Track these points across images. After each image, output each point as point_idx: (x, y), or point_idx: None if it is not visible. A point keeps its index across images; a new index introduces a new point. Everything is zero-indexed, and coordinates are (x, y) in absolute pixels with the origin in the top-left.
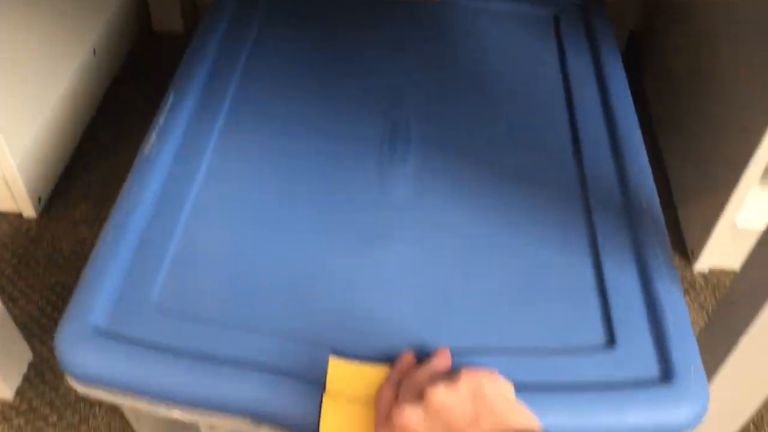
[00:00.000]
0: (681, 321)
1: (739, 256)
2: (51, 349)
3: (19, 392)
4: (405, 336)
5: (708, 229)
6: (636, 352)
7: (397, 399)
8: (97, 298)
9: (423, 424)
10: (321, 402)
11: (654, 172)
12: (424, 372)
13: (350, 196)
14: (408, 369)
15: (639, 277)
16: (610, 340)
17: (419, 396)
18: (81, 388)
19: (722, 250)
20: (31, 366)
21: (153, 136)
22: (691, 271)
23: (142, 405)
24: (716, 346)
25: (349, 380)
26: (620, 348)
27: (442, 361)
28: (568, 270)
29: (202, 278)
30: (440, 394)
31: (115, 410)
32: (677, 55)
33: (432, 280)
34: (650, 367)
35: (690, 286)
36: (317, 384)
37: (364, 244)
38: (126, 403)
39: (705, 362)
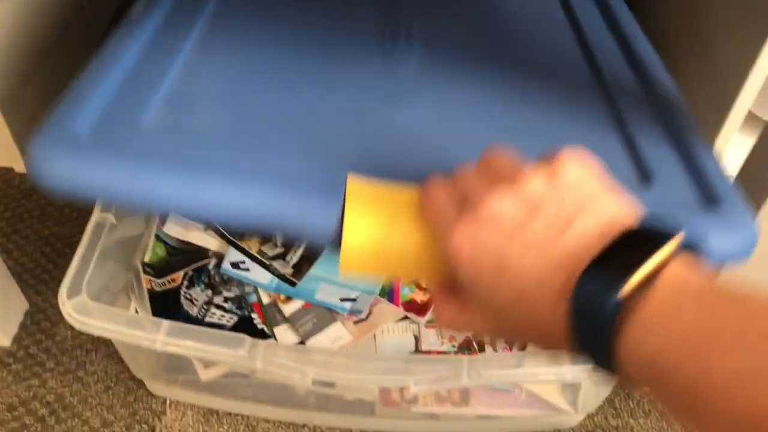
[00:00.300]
0: (711, 153)
1: None
2: (47, 299)
3: (16, 339)
4: (425, 160)
5: None
6: (674, 186)
7: (462, 199)
8: (83, 106)
9: (520, 214)
10: (345, 187)
11: None
12: (500, 165)
13: (355, 68)
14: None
15: (664, 128)
16: (647, 178)
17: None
18: (57, 195)
19: None
20: (28, 314)
21: None
22: None
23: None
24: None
25: (371, 192)
26: (657, 184)
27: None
28: (590, 134)
29: (199, 111)
30: (537, 183)
31: (111, 355)
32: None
33: (446, 133)
34: (692, 201)
35: None
36: (335, 191)
37: (371, 105)
38: (121, 335)
39: None
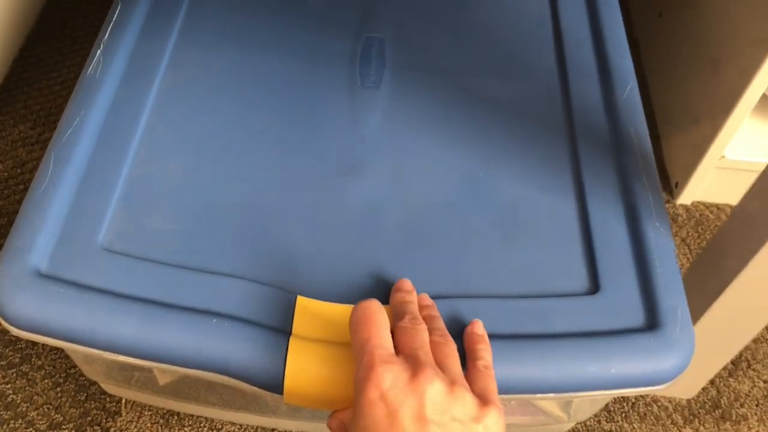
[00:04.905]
0: (668, 265)
1: (726, 189)
2: None
3: None
4: (376, 278)
5: (694, 160)
6: (621, 299)
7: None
8: (37, 237)
9: (401, 397)
10: (287, 347)
11: None
12: (433, 329)
13: (318, 123)
14: (404, 300)
15: (626, 218)
16: (594, 286)
17: (414, 357)
18: (19, 333)
19: (708, 183)
20: None
21: (98, 54)
22: (674, 204)
23: (87, 351)
24: (704, 284)
25: (319, 319)
26: (605, 295)
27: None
28: (550, 210)
29: (153, 216)
30: (464, 408)
31: (60, 350)
32: None
33: (405, 219)
34: (635, 315)
35: (672, 219)
36: (282, 331)
37: (332, 177)
38: (69, 348)
39: (690, 301)
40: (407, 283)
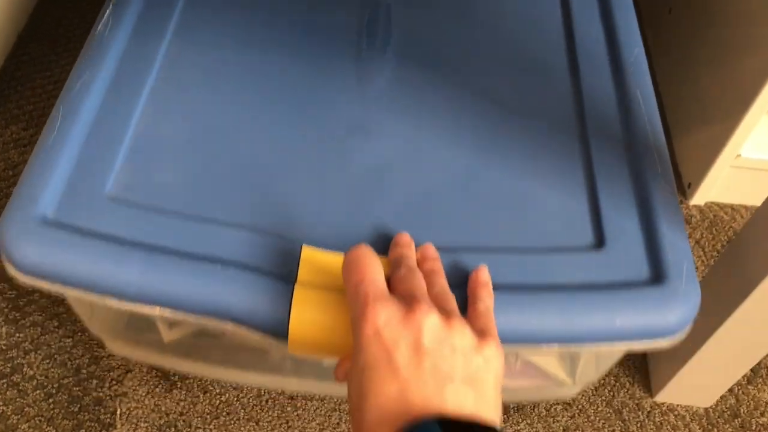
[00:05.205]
0: (674, 222)
1: (741, 189)
2: None
3: None
4: (382, 232)
5: (708, 160)
6: (626, 254)
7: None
8: (45, 186)
9: (397, 331)
10: (292, 294)
11: None
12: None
13: (324, 84)
14: (402, 253)
15: (631, 176)
16: (600, 242)
17: (409, 296)
18: (27, 279)
19: (722, 183)
20: None
21: (107, 14)
22: (687, 205)
23: (92, 298)
24: (725, 289)
25: (323, 268)
26: (610, 250)
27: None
28: (558, 170)
29: (160, 168)
30: (463, 339)
31: (53, 356)
32: None
33: (410, 176)
34: (640, 269)
35: (686, 221)
36: (287, 278)
37: (337, 136)
38: (74, 297)
39: (709, 307)
40: (405, 237)
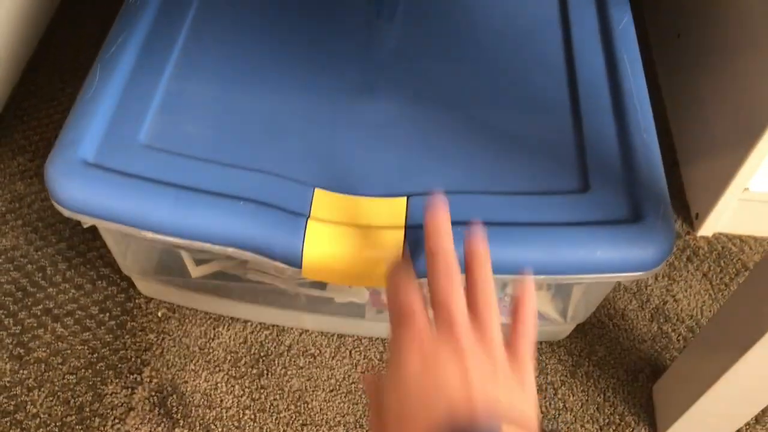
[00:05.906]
0: (654, 169)
1: (749, 220)
2: None
3: None
4: (386, 179)
5: (716, 191)
6: (608, 196)
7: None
8: (85, 133)
9: (439, 345)
10: (305, 227)
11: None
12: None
13: (336, 47)
14: (438, 249)
15: (616, 127)
16: (585, 186)
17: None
18: (70, 215)
19: (731, 215)
20: None
21: None
22: (695, 236)
23: (128, 231)
24: (737, 329)
25: (335, 208)
26: (594, 193)
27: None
28: (548, 125)
29: (188, 120)
30: (501, 363)
31: (56, 394)
32: None
33: (416, 130)
34: (621, 209)
35: (693, 253)
36: (301, 214)
37: (348, 94)
38: (112, 230)
39: (718, 350)
40: (440, 217)
